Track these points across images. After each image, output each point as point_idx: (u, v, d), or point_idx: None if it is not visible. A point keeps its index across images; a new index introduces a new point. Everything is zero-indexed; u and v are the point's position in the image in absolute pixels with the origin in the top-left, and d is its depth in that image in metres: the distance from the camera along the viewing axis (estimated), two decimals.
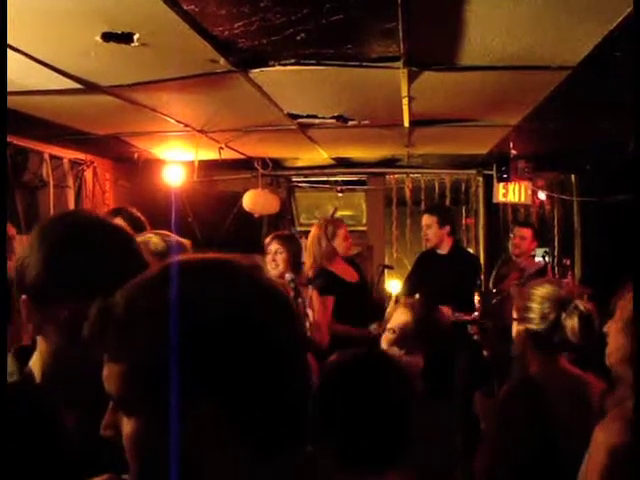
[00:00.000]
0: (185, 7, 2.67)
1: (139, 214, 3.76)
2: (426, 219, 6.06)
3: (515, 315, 2.79)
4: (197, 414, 0.89)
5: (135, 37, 2.96)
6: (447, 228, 5.94)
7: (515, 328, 2.79)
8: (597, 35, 2.99)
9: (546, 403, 2.48)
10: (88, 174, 6.35)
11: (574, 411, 2.49)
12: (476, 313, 5.49)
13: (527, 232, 6.82)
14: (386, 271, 7.97)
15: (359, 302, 5.28)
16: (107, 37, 2.92)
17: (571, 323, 2.56)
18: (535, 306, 2.65)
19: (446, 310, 5.53)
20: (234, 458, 0.92)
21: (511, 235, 7.20)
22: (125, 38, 2.95)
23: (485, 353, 5.85)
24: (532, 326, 2.65)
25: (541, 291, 2.67)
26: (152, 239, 2.33)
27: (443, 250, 6.01)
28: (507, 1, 2.62)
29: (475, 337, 5.66)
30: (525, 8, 2.68)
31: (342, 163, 8.20)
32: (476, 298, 5.58)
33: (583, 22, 2.84)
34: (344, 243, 5.56)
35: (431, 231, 6.00)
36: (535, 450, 2.40)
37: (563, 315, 2.59)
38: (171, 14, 2.69)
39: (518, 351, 2.83)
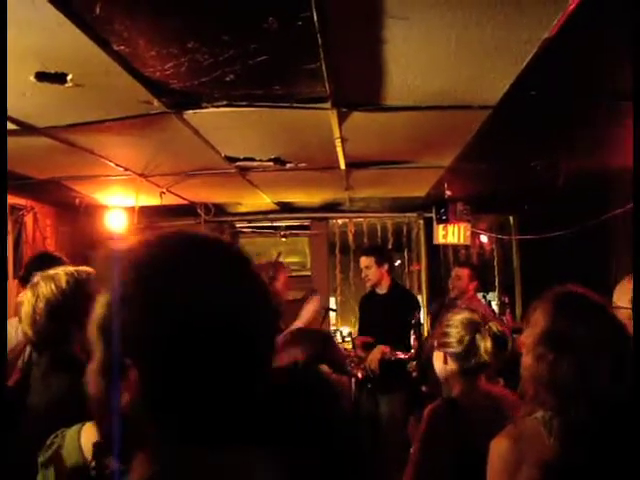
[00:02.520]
0: (115, 47, 2.77)
1: (63, 257, 3.83)
2: (364, 260, 6.17)
3: (435, 343, 2.92)
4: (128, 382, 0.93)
5: (68, 77, 3.04)
6: (385, 267, 6.08)
7: (436, 354, 2.91)
8: (510, 74, 3.18)
9: (465, 421, 2.59)
10: (28, 220, 6.33)
11: (495, 429, 2.58)
12: (412, 351, 5.59)
13: (463, 272, 6.82)
14: (332, 314, 8.05)
15: None
16: (41, 77, 3.00)
17: (484, 344, 2.71)
18: (452, 330, 2.79)
19: (385, 349, 5.67)
20: (162, 439, 0.94)
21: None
22: (59, 78, 3.03)
23: (424, 389, 5.95)
24: (450, 349, 2.78)
25: (458, 317, 2.82)
26: (59, 275, 2.38)
27: (382, 290, 6.13)
28: (422, 41, 2.79)
29: (413, 374, 5.76)
30: (439, 48, 2.85)
31: (285, 208, 8.33)
32: (412, 337, 5.67)
33: (495, 61, 3.02)
34: (283, 287, 5.68)
35: (370, 271, 6.12)
36: (453, 467, 2.49)
37: (478, 337, 2.73)
38: (102, 54, 2.79)
39: (441, 376, 2.93)
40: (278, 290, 5.63)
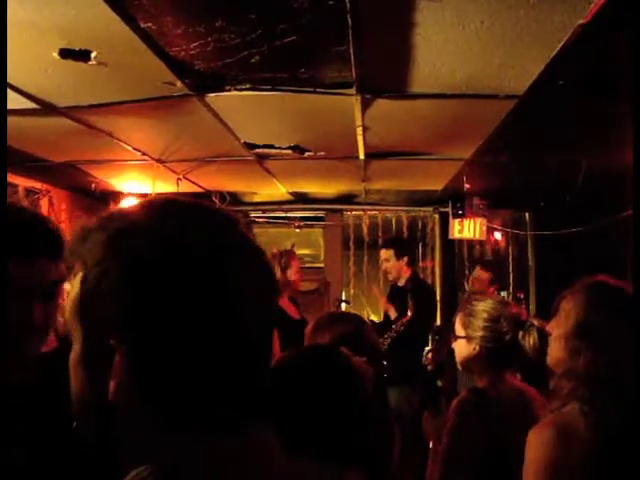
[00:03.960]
0: (142, 25, 2.73)
1: None
2: (383, 253, 6.15)
3: (462, 333, 2.81)
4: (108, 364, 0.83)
5: (93, 55, 2.99)
6: (405, 259, 6.02)
7: (464, 346, 2.81)
8: (540, 62, 3.11)
9: (495, 412, 2.53)
10: (44, 203, 6.31)
11: (520, 422, 2.53)
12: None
13: (485, 275, 6.65)
14: (344, 305, 8.02)
15: (299, 341, 5.25)
16: (64, 54, 2.96)
17: (531, 340, 2.62)
18: (488, 325, 2.69)
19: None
20: (149, 424, 0.83)
21: (472, 272, 7.22)
22: (83, 55, 2.99)
23: (439, 383, 5.91)
24: (485, 344, 2.70)
25: (490, 308, 2.72)
26: None
27: (401, 282, 6.07)
28: (453, 25, 2.72)
29: (429, 367, 5.73)
30: (470, 32, 2.78)
31: (300, 198, 8.29)
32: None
33: (525, 48, 2.95)
34: (296, 275, 5.60)
35: (390, 264, 6.08)
36: (485, 459, 2.44)
37: (520, 333, 2.64)
38: (128, 32, 2.74)
39: (465, 368, 2.86)
40: (291, 279, 5.56)
